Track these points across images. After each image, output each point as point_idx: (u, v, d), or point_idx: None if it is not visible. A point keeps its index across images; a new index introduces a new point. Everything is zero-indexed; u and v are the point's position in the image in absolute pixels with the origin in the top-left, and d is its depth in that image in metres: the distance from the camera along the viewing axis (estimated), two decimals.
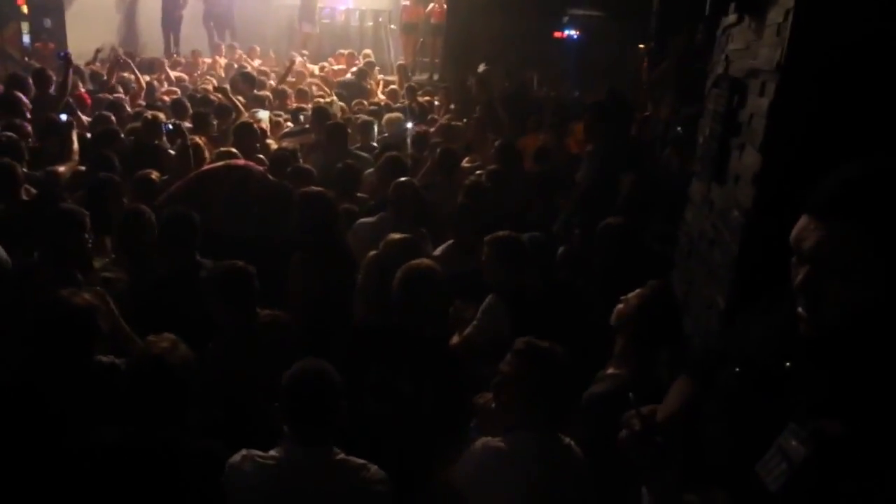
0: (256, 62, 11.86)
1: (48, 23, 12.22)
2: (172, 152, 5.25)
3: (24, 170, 4.34)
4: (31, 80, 6.58)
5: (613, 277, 3.34)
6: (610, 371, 2.42)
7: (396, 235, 3.24)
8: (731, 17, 2.99)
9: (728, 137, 2.69)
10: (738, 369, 1.41)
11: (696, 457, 1.45)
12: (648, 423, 1.48)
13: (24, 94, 6.09)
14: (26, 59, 10.45)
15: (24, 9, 12.01)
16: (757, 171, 2.28)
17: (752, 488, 1.24)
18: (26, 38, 12.07)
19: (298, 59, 10.48)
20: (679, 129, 4.98)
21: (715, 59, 3.37)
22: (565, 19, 10.51)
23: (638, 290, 2.44)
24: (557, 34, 10.62)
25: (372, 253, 3.25)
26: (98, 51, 10.29)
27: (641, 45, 8.90)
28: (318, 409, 2.08)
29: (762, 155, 2.26)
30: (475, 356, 2.90)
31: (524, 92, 8.86)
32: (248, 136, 5.50)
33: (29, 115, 5.77)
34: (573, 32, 10.63)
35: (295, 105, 7.90)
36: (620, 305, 2.45)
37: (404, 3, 12.51)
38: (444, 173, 4.98)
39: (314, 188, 3.74)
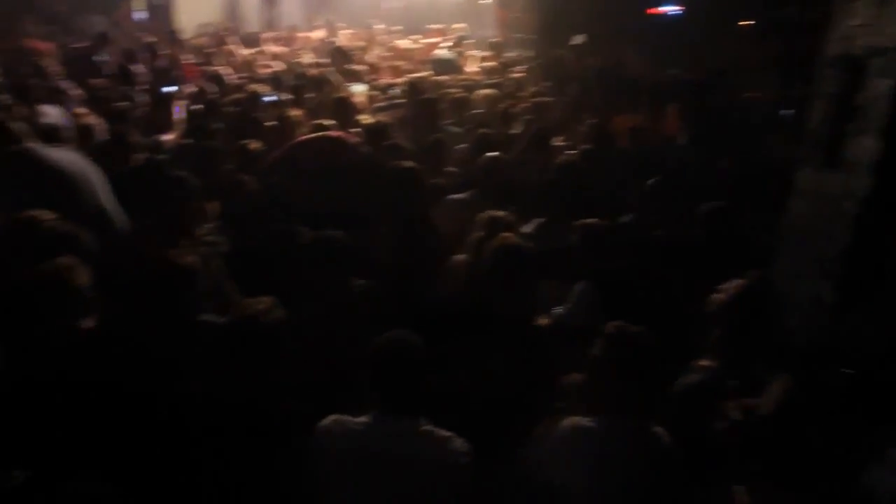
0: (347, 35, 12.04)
1: (159, 0, 12.85)
2: (270, 123, 5.43)
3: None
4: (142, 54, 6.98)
5: (709, 265, 3.24)
6: (703, 362, 2.36)
7: (487, 213, 3.24)
8: None
9: (843, 122, 2.53)
10: (845, 370, 1.35)
11: (793, 455, 1.40)
12: (749, 415, 1.44)
13: (136, 68, 6.45)
14: (138, 34, 11.03)
15: None
16: (876, 158, 2.14)
17: (852, 497, 1.18)
18: (139, 15, 12.74)
19: (379, 27, 10.40)
20: (784, 111, 4.73)
21: (829, 37, 3.16)
22: None
23: (736, 281, 2.35)
24: (652, 10, 10.20)
25: (475, 235, 3.25)
26: (203, 26, 10.76)
27: (745, 22, 8.45)
28: (406, 379, 2.13)
29: (883, 141, 2.11)
30: (563, 339, 2.88)
31: (619, 70, 8.60)
32: (345, 110, 5.61)
33: (141, 87, 6.11)
34: (671, 8, 10.18)
35: (387, 80, 7.98)
36: (717, 295, 2.37)
37: None
38: (536, 150, 4.92)
39: (404, 163, 3.79)
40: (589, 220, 3.20)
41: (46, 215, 2.90)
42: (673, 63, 9.44)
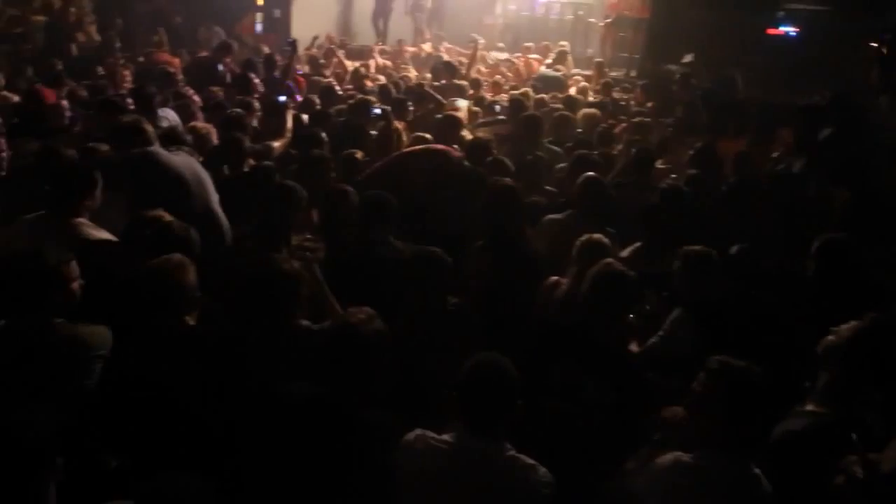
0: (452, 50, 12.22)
1: (277, 13, 13.54)
2: (374, 133, 5.59)
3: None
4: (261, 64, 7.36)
5: (821, 302, 3.05)
6: (809, 408, 2.22)
7: (586, 236, 3.19)
8: None
9: None
10: None
11: None
12: (873, 472, 1.34)
13: (255, 76, 6.80)
14: (259, 45, 11.66)
15: (260, 1, 13.40)
16: None
17: None
18: (259, 27, 13.48)
19: (481, 42, 10.44)
20: None
21: None
22: (780, 13, 9.63)
23: (853, 323, 2.20)
24: (771, 30, 9.76)
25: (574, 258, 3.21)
26: (315, 38, 11.23)
27: (874, 44, 7.95)
28: (494, 403, 2.10)
29: None
30: (656, 367, 2.80)
31: (728, 92, 8.29)
32: (451, 127, 5.66)
33: (257, 95, 6.43)
34: (790, 29, 9.71)
35: (490, 95, 8.03)
36: (830, 337, 2.23)
37: None
38: (637, 172, 4.82)
39: (503, 179, 3.79)
40: (692, 247, 3.08)
41: (164, 214, 3.09)
42: (788, 86, 9.03)
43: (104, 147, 4.22)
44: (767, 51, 9.51)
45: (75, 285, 2.56)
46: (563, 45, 11.25)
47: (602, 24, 12.24)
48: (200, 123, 5.16)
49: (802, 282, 3.23)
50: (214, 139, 5.02)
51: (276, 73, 7.24)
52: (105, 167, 3.62)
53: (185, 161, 3.98)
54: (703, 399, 2.06)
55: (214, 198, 4.01)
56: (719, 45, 9.39)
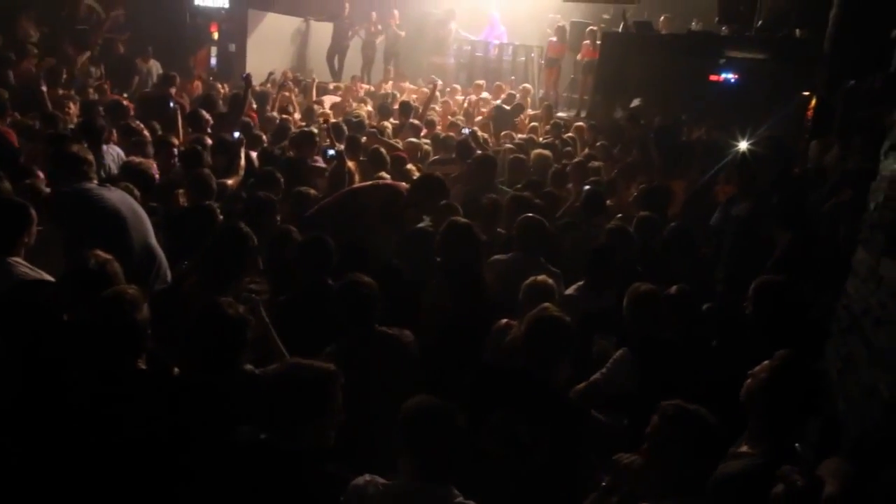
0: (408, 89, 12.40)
1: (232, 48, 13.52)
2: (325, 170, 5.58)
3: None
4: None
5: (758, 343, 3.14)
6: (743, 449, 2.26)
7: (533, 279, 3.23)
8: None
9: None
10: None
11: None
12: (811, 485, 1.36)
13: (211, 113, 6.72)
14: (211, 79, 11.58)
15: (216, 35, 13.37)
16: None
17: None
18: (213, 61, 13.42)
19: (440, 83, 10.64)
20: (847, 189, 4.60)
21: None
22: (722, 61, 10.08)
23: (766, 363, 2.27)
24: (713, 77, 10.20)
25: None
26: (270, 74, 11.23)
27: (806, 92, 8.36)
28: (441, 447, 2.10)
29: None
30: (597, 405, 2.83)
31: (675, 133, 8.58)
32: (398, 162, 5.71)
33: (209, 131, 6.37)
34: (730, 76, 10.17)
35: (443, 133, 8.13)
36: (748, 381, 2.28)
37: (551, 39, 12.62)
38: (588, 212, 4.91)
39: (460, 219, 3.81)
40: (637, 284, 3.15)
41: (101, 253, 2.99)
42: (729, 129, 9.40)
43: (43, 182, 4.12)
44: (710, 96, 9.92)
45: None
46: (526, 88, 11.50)
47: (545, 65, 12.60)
48: (138, 158, 5.06)
49: (741, 322, 3.32)
50: (156, 174, 4.96)
51: (226, 109, 7.18)
52: (42, 203, 3.54)
53: (120, 197, 3.92)
54: (659, 444, 2.07)
55: (152, 234, 3.95)
56: (666, 88, 9.75)
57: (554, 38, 12.48)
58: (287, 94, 9.58)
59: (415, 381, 2.74)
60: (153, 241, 3.95)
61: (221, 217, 4.15)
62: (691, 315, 3.51)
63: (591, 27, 11.59)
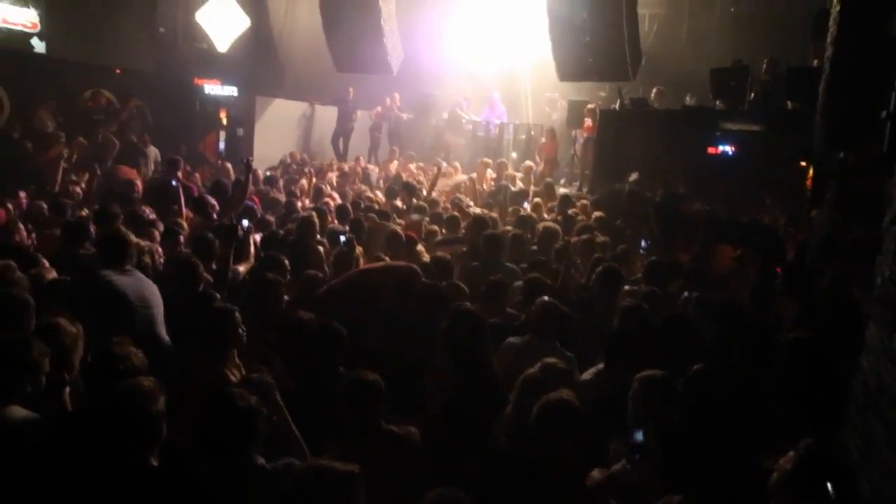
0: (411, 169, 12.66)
1: (241, 132, 13.92)
2: (332, 252, 5.63)
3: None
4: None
5: (777, 423, 3.10)
6: None
7: (544, 362, 3.21)
8: None
9: None
10: None
11: None
12: None
13: (220, 199, 6.85)
14: (219, 162, 11.88)
15: (224, 120, 13.81)
16: None
17: None
18: (222, 145, 13.80)
19: (444, 165, 10.91)
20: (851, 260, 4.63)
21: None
22: (718, 134, 10.33)
23: (791, 454, 2.23)
24: (711, 149, 10.42)
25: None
26: (282, 160, 11.53)
27: (803, 163, 8.52)
28: None
29: None
30: (617, 496, 2.75)
31: (675, 206, 8.69)
32: (407, 244, 5.79)
33: (215, 217, 6.48)
34: (728, 148, 10.39)
35: (448, 213, 8.23)
36: (774, 474, 2.25)
37: (554, 117, 12.98)
38: (604, 291, 4.87)
39: (465, 304, 3.83)
40: (649, 372, 3.12)
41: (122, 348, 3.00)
42: (728, 201, 9.54)
43: (49, 270, 4.19)
44: (709, 168, 10.11)
45: None
46: (529, 166, 11.72)
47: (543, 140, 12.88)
48: (144, 242, 5.14)
49: (758, 404, 3.27)
50: (160, 259, 5.03)
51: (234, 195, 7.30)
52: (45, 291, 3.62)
53: (133, 284, 3.96)
54: None
55: (159, 323, 3.95)
56: (665, 162, 9.95)
57: (555, 116, 12.80)
58: (297, 176, 9.78)
59: (421, 480, 2.69)
60: (159, 329, 3.94)
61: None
62: (709, 396, 3.46)
63: (589, 105, 11.92)
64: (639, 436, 2.93)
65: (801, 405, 3.08)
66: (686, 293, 4.86)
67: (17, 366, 2.72)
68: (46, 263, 4.56)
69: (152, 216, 6.41)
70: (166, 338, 3.97)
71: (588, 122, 11.76)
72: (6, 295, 3.39)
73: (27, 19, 11.10)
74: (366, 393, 2.90)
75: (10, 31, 10.92)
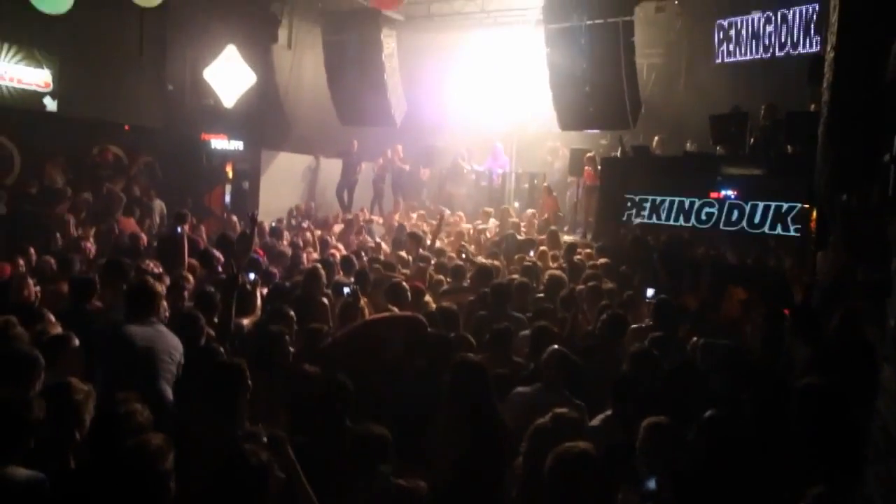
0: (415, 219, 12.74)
1: (246, 185, 14.09)
2: (337, 305, 5.61)
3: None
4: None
5: (792, 469, 3.03)
6: None
7: (554, 413, 3.16)
8: None
9: None
10: None
11: None
12: None
13: (225, 252, 6.88)
14: (225, 215, 11.99)
15: (230, 174, 14.00)
16: None
17: None
18: (227, 198, 13.96)
19: (447, 213, 10.97)
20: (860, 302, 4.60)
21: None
22: (719, 178, 10.42)
23: (814, 491, 2.17)
24: (714, 194, 10.50)
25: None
26: (290, 212, 11.63)
27: (806, 205, 8.55)
28: None
29: None
30: None
31: (680, 250, 8.70)
32: (414, 295, 5.78)
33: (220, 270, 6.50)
34: (730, 192, 10.47)
35: (453, 262, 8.24)
36: None
37: (556, 165, 13.12)
38: (610, 338, 4.87)
39: (467, 355, 3.79)
40: (655, 418, 3.07)
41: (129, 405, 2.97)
42: (733, 245, 9.56)
43: (55, 325, 4.18)
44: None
45: None
46: (531, 212, 11.77)
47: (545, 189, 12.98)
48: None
49: (771, 449, 3.21)
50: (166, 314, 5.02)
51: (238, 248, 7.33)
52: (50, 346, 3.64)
53: (144, 335, 3.91)
54: None
55: (161, 378, 3.87)
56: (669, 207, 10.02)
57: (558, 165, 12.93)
58: (304, 229, 9.85)
59: None
60: (161, 384, 3.86)
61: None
62: (724, 440, 3.40)
63: (588, 154, 12.06)
64: (651, 484, 2.88)
65: (815, 452, 3.02)
66: (694, 339, 4.83)
67: (16, 425, 2.68)
68: (52, 318, 4.56)
69: (158, 270, 6.44)
70: (168, 394, 3.90)
71: (588, 169, 11.87)
72: (12, 351, 3.38)
73: (41, 79, 11.41)
74: (373, 448, 2.86)
75: (24, 90, 11.20)
